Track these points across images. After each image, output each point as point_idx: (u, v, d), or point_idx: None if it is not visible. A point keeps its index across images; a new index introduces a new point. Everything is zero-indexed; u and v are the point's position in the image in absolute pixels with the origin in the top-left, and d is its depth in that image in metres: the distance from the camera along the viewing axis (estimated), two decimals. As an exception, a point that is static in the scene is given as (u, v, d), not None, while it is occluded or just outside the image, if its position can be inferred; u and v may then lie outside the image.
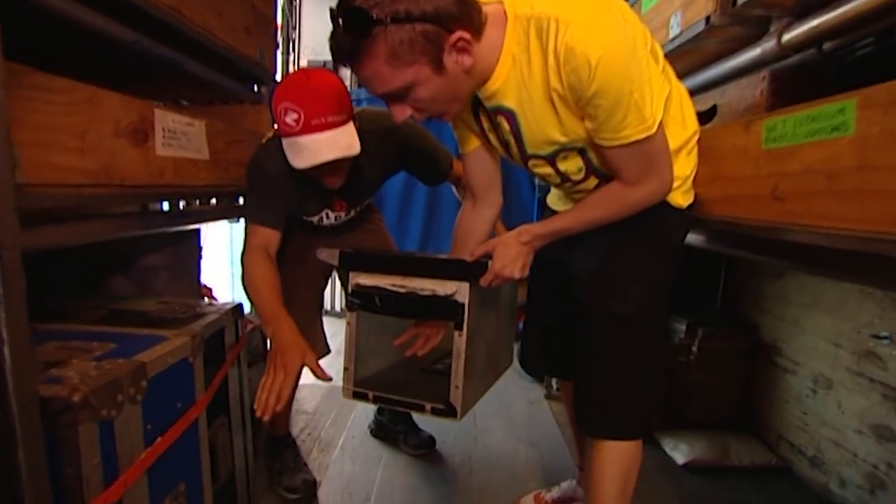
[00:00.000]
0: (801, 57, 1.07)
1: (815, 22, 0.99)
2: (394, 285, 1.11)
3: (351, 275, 1.18)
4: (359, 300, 1.16)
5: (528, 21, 0.87)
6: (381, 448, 1.92)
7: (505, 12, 0.90)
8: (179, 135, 1.31)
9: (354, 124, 1.22)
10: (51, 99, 0.90)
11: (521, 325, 1.48)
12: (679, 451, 1.84)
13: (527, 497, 1.58)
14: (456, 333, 1.08)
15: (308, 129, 1.15)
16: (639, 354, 1.06)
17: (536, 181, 2.87)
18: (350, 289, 1.17)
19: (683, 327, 1.99)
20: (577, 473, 1.52)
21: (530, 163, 1.06)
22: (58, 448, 0.67)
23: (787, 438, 1.83)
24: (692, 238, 1.24)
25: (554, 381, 2.48)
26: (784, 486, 1.73)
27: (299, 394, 2.38)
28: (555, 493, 1.55)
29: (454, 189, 1.64)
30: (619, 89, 0.85)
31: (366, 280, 1.15)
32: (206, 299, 2.02)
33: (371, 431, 2.00)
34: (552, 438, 2.03)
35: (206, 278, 2.00)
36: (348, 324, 1.19)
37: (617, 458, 1.08)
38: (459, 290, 1.07)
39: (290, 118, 1.16)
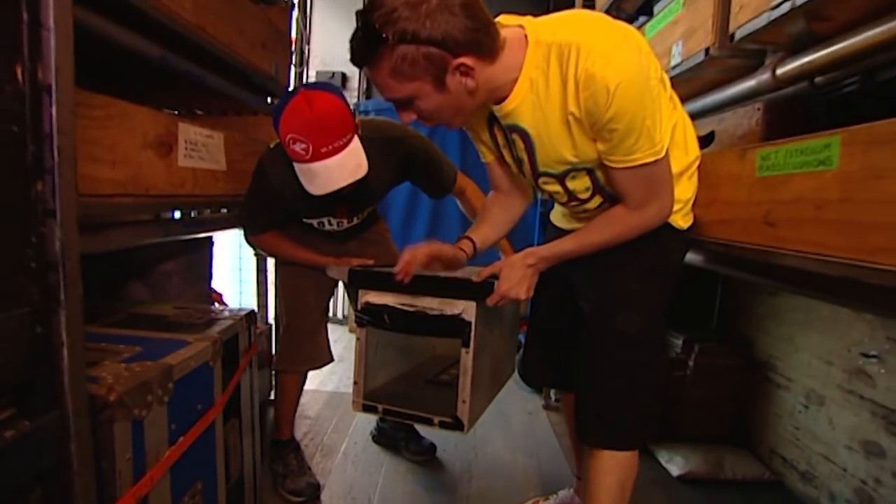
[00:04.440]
0: (795, 89, 1.13)
1: (807, 58, 1.06)
2: (402, 304, 1.15)
3: (360, 292, 1.21)
4: (368, 317, 1.19)
5: (550, 47, 0.92)
6: (382, 454, 1.96)
7: (526, 36, 0.95)
8: (200, 146, 1.38)
9: (357, 134, 1.28)
10: (89, 114, 0.96)
11: (521, 337, 1.52)
12: (674, 464, 1.88)
13: (525, 504, 1.63)
14: (463, 350, 1.12)
15: (318, 156, 1.21)
16: (639, 369, 1.12)
17: (539, 197, 2.93)
18: (360, 306, 1.21)
19: (680, 342, 2.02)
20: (575, 483, 1.57)
21: (540, 180, 1.11)
22: (94, 444, 0.72)
23: (780, 453, 1.86)
24: (691, 257, 1.30)
25: (552, 392, 2.52)
26: (776, 499, 1.77)
27: (302, 399, 2.42)
28: (552, 501, 1.59)
29: (458, 202, 1.70)
30: (633, 115, 0.91)
31: (375, 298, 1.18)
32: (216, 304, 2.07)
33: (373, 438, 2.04)
34: (550, 448, 2.07)
35: (215, 283, 2.05)
36: (358, 339, 1.22)
37: (614, 467, 1.13)
38: (466, 309, 1.11)
39: (298, 147, 1.21)
